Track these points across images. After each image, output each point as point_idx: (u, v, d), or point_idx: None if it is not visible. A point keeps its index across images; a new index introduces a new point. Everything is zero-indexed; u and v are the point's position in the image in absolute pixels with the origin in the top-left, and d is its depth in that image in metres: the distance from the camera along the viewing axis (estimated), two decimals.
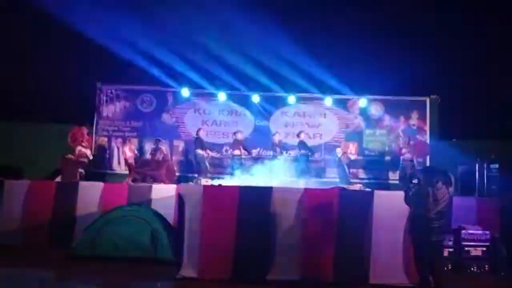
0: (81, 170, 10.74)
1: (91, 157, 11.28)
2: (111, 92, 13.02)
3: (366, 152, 12.89)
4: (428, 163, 11.89)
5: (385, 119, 13.02)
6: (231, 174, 11.11)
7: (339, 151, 11.90)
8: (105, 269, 6.98)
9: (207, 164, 11.47)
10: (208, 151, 11.52)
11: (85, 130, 11.33)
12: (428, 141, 12.74)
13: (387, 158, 12.76)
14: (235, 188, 7.24)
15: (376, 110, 13.10)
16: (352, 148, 11.85)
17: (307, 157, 11.61)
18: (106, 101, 12.96)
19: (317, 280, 6.58)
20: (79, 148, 10.96)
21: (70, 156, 10.86)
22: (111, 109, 12.96)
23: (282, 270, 6.65)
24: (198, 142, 11.50)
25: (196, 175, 11.31)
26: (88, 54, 12.04)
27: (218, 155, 11.99)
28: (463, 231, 7.94)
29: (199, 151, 11.38)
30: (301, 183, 8.82)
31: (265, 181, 9.76)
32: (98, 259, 7.36)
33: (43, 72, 12.32)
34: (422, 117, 12.95)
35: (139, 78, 12.65)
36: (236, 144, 11.66)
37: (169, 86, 12.92)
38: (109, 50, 11.57)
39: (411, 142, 12.05)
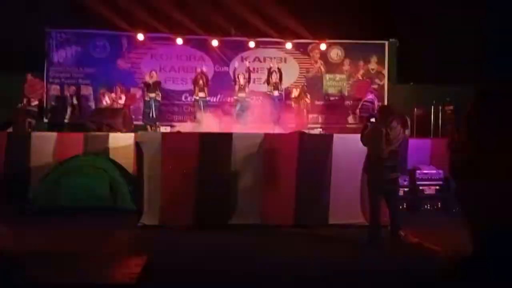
0: (30, 120, 10.31)
1: (36, 102, 10.83)
2: (61, 37, 12.31)
3: (326, 97, 12.96)
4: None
5: (345, 63, 13.04)
6: (194, 118, 10.94)
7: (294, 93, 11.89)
8: (63, 220, 6.84)
9: (153, 110, 11.12)
10: (149, 93, 11.12)
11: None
12: (386, 85, 12.92)
13: (347, 102, 12.91)
14: (195, 135, 7.18)
15: (336, 54, 13.07)
16: (295, 92, 11.81)
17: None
18: (56, 46, 12.26)
19: (278, 223, 6.71)
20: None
21: (20, 106, 10.38)
22: (62, 55, 12.29)
23: (244, 214, 6.75)
24: (146, 86, 11.18)
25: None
26: None
27: (162, 101, 11.58)
28: (418, 171, 8.24)
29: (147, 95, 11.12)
30: (261, 128, 8.79)
31: (227, 127, 9.73)
32: (56, 211, 7.21)
33: None
34: (381, 61, 13.04)
35: (90, 21, 11.96)
36: (197, 83, 11.30)
37: (123, 30, 12.32)
38: None
39: (373, 86, 12.30)
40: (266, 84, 11.47)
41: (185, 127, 10.38)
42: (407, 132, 7.02)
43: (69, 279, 2.74)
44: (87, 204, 7.35)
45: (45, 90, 11.89)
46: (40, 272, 2.92)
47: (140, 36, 12.35)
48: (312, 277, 4.61)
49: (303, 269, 4.89)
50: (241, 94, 11.24)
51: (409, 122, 10.40)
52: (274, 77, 11.39)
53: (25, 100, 10.55)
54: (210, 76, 11.98)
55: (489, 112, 0.94)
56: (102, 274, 2.92)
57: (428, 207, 8.18)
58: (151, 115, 11.06)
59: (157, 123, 11.11)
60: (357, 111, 12.24)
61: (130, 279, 2.68)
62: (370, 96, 12.02)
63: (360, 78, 12.97)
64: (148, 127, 10.96)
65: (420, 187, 8.21)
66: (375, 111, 10.52)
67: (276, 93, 11.30)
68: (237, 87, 11.35)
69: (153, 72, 11.33)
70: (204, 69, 11.60)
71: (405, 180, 8.05)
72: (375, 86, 12.78)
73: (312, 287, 4.38)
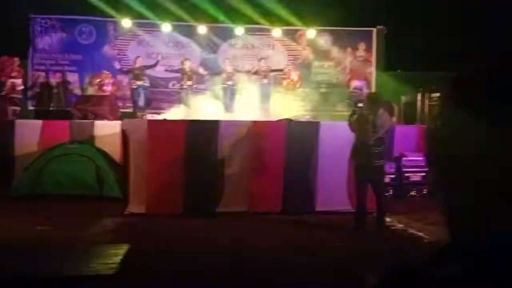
0: (14, 107, 10.14)
1: (22, 87, 10.63)
2: (46, 23, 12.09)
3: (314, 85, 12.92)
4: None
5: (333, 50, 13.00)
6: (182, 105, 10.85)
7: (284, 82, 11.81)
8: (48, 208, 6.78)
9: (142, 98, 11.01)
10: (136, 81, 11.02)
11: (16, 61, 10.59)
12: (373, 72, 12.92)
13: (335, 89, 12.89)
14: (181, 122, 7.12)
15: (324, 41, 13.01)
16: (295, 75, 11.74)
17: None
18: (41, 32, 12.05)
19: (265, 210, 6.73)
20: (10, 80, 10.28)
21: (4, 92, 10.20)
22: (47, 41, 12.10)
23: (231, 202, 6.75)
24: (132, 73, 11.04)
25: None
26: None
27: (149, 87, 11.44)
28: (404, 158, 8.29)
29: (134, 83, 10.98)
30: (249, 116, 8.77)
31: (214, 114, 9.68)
32: (41, 199, 7.15)
33: None
34: (368, 49, 13.02)
35: (76, 7, 11.76)
36: (183, 74, 11.21)
37: (109, 16, 12.13)
38: None
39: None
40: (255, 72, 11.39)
41: (173, 114, 10.31)
42: (394, 119, 7.06)
43: (45, 269, 2.71)
44: (73, 192, 7.31)
45: (29, 76, 11.65)
46: (18, 261, 2.88)
47: (127, 23, 12.18)
48: (298, 263, 4.63)
49: (289, 255, 4.91)
50: (229, 82, 11.17)
51: (396, 109, 10.49)
52: (263, 65, 11.33)
53: (8, 83, 10.30)
54: (197, 63, 11.87)
55: (464, 99, 0.92)
56: (81, 264, 2.89)
57: (414, 194, 8.25)
58: (140, 103, 10.95)
59: (146, 110, 11.01)
60: (346, 100, 12.21)
61: (110, 269, 2.66)
62: (358, 83, 12.01)
63: (348, 65, 12.94)
64: (139, 114, 10.83)
65: (406, 174, 8.27)
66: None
67: (265, 80, 11.24)
68: (225, 75, 11.27)
69: (139, 58, 11.19)
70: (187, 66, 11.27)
71: (391, 167, 8.10)
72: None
73: (298, 273, 4.40)
